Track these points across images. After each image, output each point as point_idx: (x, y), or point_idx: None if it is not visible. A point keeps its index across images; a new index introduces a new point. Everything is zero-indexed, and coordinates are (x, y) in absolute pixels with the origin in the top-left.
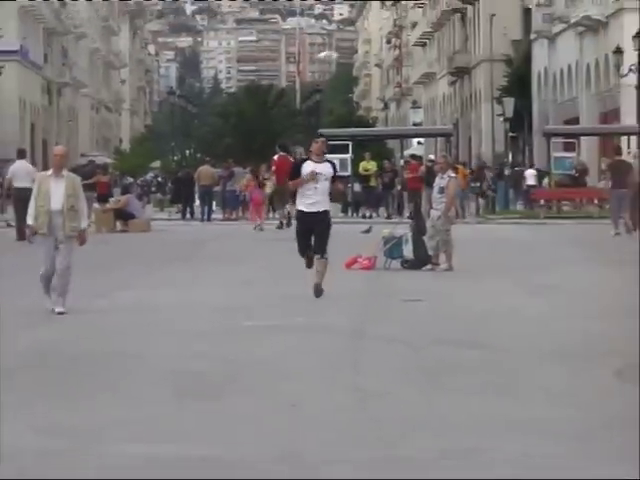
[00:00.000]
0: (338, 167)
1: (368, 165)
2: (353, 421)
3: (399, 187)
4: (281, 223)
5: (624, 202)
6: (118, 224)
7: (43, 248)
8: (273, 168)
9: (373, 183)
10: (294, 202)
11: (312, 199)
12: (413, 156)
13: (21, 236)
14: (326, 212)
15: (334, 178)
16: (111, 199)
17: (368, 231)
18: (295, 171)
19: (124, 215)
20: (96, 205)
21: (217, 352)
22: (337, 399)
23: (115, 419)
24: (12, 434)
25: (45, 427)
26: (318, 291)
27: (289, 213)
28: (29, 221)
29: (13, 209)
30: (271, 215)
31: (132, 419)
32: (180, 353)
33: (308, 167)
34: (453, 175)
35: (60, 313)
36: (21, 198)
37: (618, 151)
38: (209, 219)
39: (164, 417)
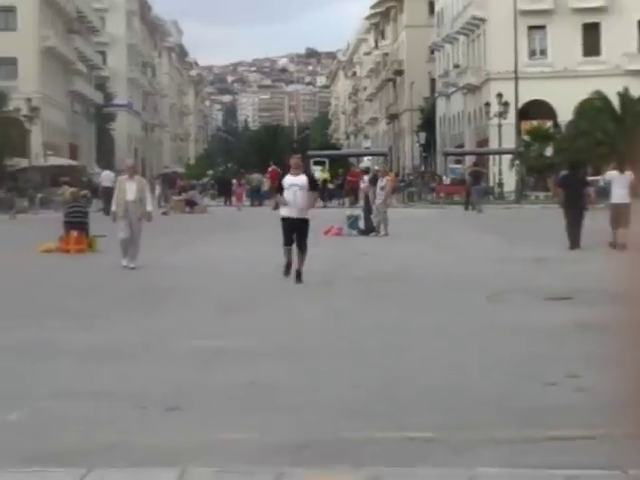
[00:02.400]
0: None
1: (323, 174)
2: (328, 326)
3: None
4: (276, 206)
5: (480, 193)
6: (187, 208)
7: (122, 225)
8: (268, 175)
9: (329, 185)
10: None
11: (291, 205)
12: (353, 166)
13: (107, 214)
14: (305, 220)
15: (312, 186)
16: (183, 193)
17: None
18: (279, 184)
19: (190, 203)
20: (174, 197)
21: (246, 284)
22: (318, 312)
23: (184, 324)
24: (122, 335)
25: (141, 330)
26: (299, 277)
27: (276, 203)
28: (113, 208)
29: (103, 199)
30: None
31: (195, 324)
32: (223, 284)
33: (287, 180)
34: (389, 178)
35: (133, 268)
36: (107, 193)
37: (477, 164)
38: (260, 205)
39: (214, 323)
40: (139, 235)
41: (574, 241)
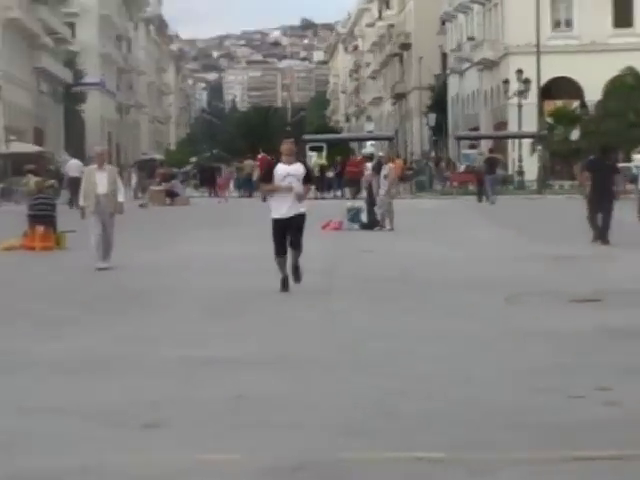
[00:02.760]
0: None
1: (320, 161)
2: (325, 332)
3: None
4: (264, 198)
5: (495, 183)
6: (167, 200)
7: (93, 222)
8: (258, 162)
9: (327, 173)
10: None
11: (287, 204)
12: (353, 154)
13: (75, 206)
14: (301, 215)
15: (307, 177)
16: (163, 183)
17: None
18: (267, 172)
19: (171, 194)
20: (152, 188)
21: (234, 286)
22: (314, 317)
23: (164, 330)
24: (97, 342)
25: (115, 337)
26: (297, 272)
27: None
28: (81, 203)
29: (69, 190)
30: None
31: (177, 330)
32: (208, 286)
33: (280, 170)
34: (392, 166)
35: (105, 269)
36: (74, 183)
37: (492, 151)
38: (250, 196)
39: (198, 329)
40: (112, 232)
41: (602, 235)
